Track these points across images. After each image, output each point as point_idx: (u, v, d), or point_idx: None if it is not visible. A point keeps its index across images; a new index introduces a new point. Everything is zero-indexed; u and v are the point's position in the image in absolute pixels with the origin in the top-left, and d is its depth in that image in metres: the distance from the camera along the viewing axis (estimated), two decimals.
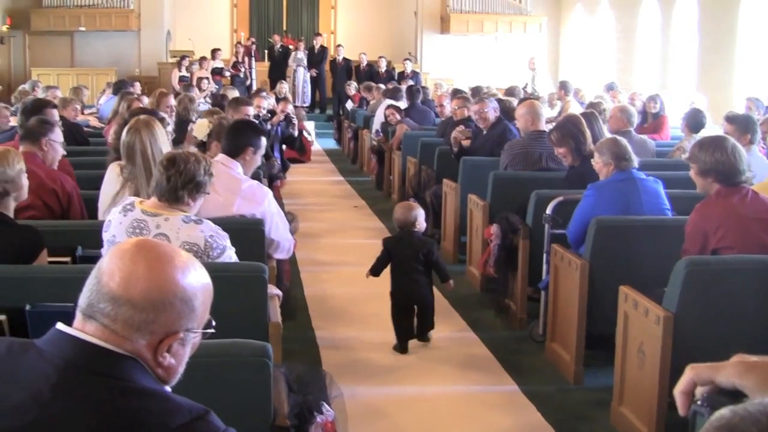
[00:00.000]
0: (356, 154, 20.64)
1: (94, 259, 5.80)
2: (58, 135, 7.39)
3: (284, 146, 16.68)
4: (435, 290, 8.31)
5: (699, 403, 2.67)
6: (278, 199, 9.86)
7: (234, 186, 6.69)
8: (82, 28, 29.13)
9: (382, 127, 16.89)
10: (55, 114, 9.15)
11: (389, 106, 16.68)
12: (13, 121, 11.25)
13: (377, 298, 8.97)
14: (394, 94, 18.40)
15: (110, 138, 9.21)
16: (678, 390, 2.71)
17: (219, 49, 27.09)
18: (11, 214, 5.46)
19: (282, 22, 35.33)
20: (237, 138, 7.12)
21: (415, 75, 26.67)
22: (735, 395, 2.60)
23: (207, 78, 24.07)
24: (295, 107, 21.17)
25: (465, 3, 30.42)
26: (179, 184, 5.25)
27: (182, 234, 5.16)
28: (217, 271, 5.05)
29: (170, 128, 9.37)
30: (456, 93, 15.42)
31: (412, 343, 8.02)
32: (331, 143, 25.24)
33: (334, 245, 11.52)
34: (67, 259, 5.80)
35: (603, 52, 28.03)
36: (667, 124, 14.59)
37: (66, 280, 4.93)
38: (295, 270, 10.20)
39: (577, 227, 7.28)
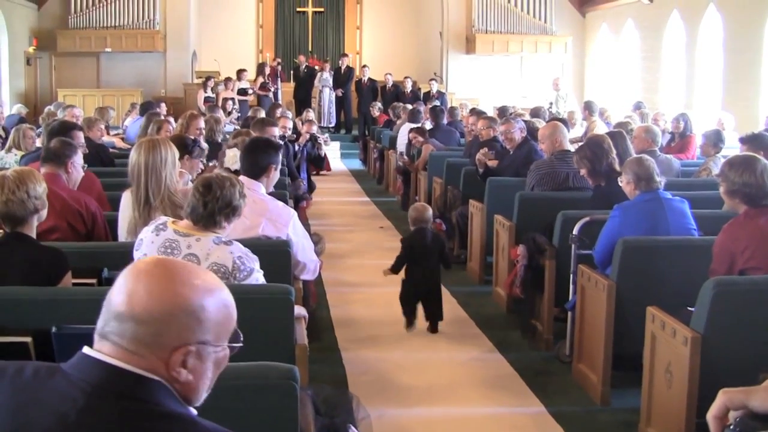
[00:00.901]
0: (382, 175, 20.63)
1: None
2: (80, 156, 7.43)
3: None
4: (462, 312, 8.93)
5: (732, 427, 2.65)
6: (304, 219, 9.87)
7: (260, 208, 6.67)
8: (108, 49, 29.27)
9: (406, 150, 16.88)
10: (80, 137, 9.15)
11: (411, 129, 16.67)
12: (39, 143, 11.29)
13: (403, 319, 8.97)
14: (414, 116, 18.35)
15: None
16: (711, 415, 2.69)
17: (245, 70, 27.09)
18: (34, 235, 5.47)
19: (307, 43, 35.51)
20: (258, 158, 7.10)
21: (440, 95, 26.58)
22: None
23: (232, 99, 24.13)
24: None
25: (490, 23, 30.43)
26: (216, 209, 5.31)
27: (212, 255, 5.19)
28: (243, 294, 5.07)
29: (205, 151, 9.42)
30: (472, 112, 15.44)
31: (438, 361, 8.07)
32: (356, 164, 25.28)
33: (360, 266, 11.51)
34: (93, 280, 5.79)
35: (628, 71, 28.01)
36: (694, 143, 14.52)
37: (92, 302, 4.88)
38: (321, 291, 10.20)
39: (604, 248, 7.25)
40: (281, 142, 12.95)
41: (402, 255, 9.05)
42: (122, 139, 16.55)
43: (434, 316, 9.00)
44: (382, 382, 7.66)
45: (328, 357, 8.18)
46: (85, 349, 2.45)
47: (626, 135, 10.24)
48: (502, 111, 17.43)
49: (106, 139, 14.13)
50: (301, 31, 35.95)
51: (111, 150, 13.08)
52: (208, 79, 26.34)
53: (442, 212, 12.65)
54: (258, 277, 5.34)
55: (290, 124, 14.70)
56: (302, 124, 17.39)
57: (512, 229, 9.43)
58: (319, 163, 17.85)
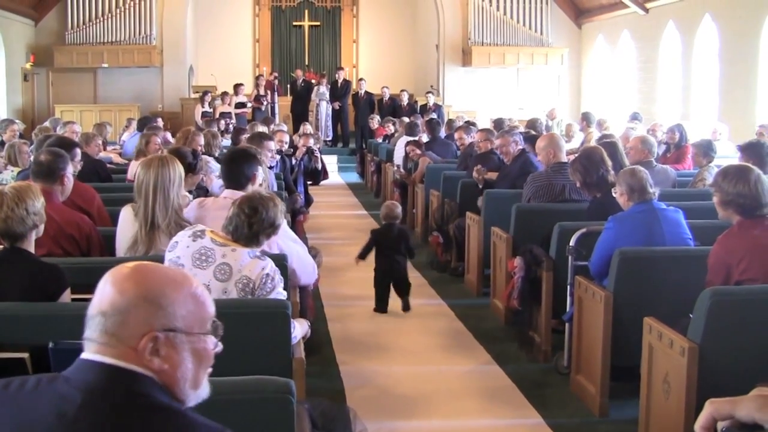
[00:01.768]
0: (379, 188, 20.61)
1: None
2: (71, 166, 7.40)
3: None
4: (460, 324, 9.08)
5: None
6: (301, 233, 9.88)
7: None
8: (105, 65, 29.29)
9: (403, 163, 16.90)
10: (78, 153, 9.10)
11: (408, 143, 16.70)
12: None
13: (402, 332, 9.01)
14: (411, 129, 18.39)
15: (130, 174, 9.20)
16: (698, 426, 2.70)
17: (242, 84, 27.06)
18: (33, 250, 5.47)
19: (304, 57, 35.56)
20: (242, 168, 7.17)
21: (437, 108, 26.63)
22: (755, 429, 2.60)
23: (229, 113, 24.16)
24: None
25: (486, 36, 30.48)
26: (261, 230, 5.51)
27: (244, 268, 5.33)
28: (240, 307, 5.09)
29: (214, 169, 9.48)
30: (459, 129, 15.49)
31: (436, 374, 8.07)
32: (354, 177, 25.30)
33: (358, 279, 11.49)
34: (91, 296, 5.78)
35: (625, 82, 28.09)
36: (689, 153, 14.55)
37: None
38: (318, 304, 10.22)
39: (599, 259, 7.27)
40: (287, 161, 13.06)
41: (368, 243, 10.51)
42: (120, 154, 16.56)
43: (403, 295, 10.33)
44: (380, 395, 7.66)
45: (326, 370, 8.19)
46: (82, 354, 2.60)
47: (619, 146, 10.28)
48: (498, 123, 17.47)
49: (103, 154, 14.14)
50: (298, 45, 36.01)
51: (108, 165, 13.09)
52: (205, 93, 26.34)
53: (440, 225, 12.66)
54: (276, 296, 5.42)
55: (287, 138, 14.68)
56: (299, 138, 17.36)
57: (509, 241, 9.44)
58: (315, 177, 17.81)
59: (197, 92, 28.26)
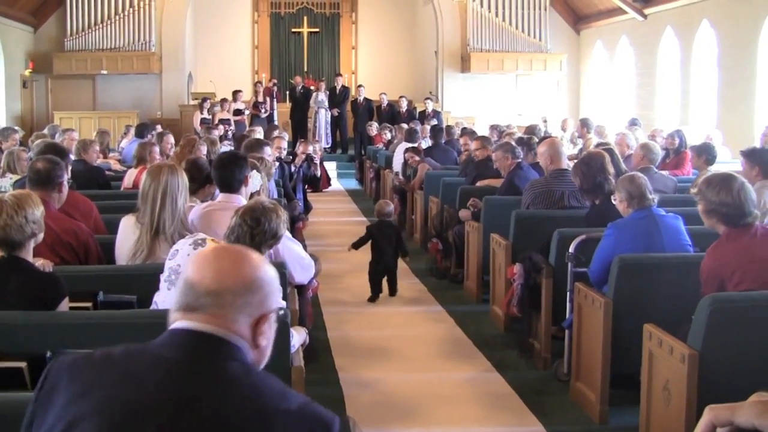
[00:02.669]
0: (378, 194, 20.52)
1: (117, 305, 5.80)
2: (67, 174, 7.38)
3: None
4: (460, 331, 9.11)
5: None
6: (300, 240, 9.86)
7: None
8: (104, 72, 29.26)
9: (402, 169, 16.89)
10: (70, 160, 9.00)
11: (407, 149, 16.69)
12: None
13: (401, 339, 8.98)
14: (410, 136, 18.41)
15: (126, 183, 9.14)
16: None
17: (240, 91, 27.08)
18: (31, 258, 5.45)
19: (303, 63, 35.56)
20: (234, 172, 7.25)
21: (436, 114, 26.62)
22: None
23: (228, 120, 24.16)
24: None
25: (485, 42, 30.46)
26: (263, 241, 5.57)
27: None
28: None
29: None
30: (464, 132, 15.43)
31: (436, 381, 8.05)
32: (352, 183, 25.30)
33: (357, 286, 11.49)
34: (89, 304, 5.77)
35: (623, 88, 28.10)
36: (689, 159, 14.54)
37: (87, 326, 4.92)
38: (317, 311, 10.19)
39: (599, 266, 7.25)
40: (287, 168, 13.06)
41: (363, 237, 11.50)
42: (119, 161, 16.54)
43: (392, 285, 11.36)
44: (379, 402, 7.63)
45: (325, 378, 8.17)
46: (173, 325, 2.72)
47: (615, 152, 10.27)
48: (495, 129, 17.47)
49: (101, 161, 14.11)
50: (297, 51, 36.01)
51: (107, 172, 13.06)
52: (204, 100, 26.31)
53: (439, 231, 12.64)
54: None
55: (285, 145, 14.68)
56: (299, 146, 17.36)
57: (509, 248, 9.42)
58: (314, 183, 17.84)
59: (196, 99, 28.24)
